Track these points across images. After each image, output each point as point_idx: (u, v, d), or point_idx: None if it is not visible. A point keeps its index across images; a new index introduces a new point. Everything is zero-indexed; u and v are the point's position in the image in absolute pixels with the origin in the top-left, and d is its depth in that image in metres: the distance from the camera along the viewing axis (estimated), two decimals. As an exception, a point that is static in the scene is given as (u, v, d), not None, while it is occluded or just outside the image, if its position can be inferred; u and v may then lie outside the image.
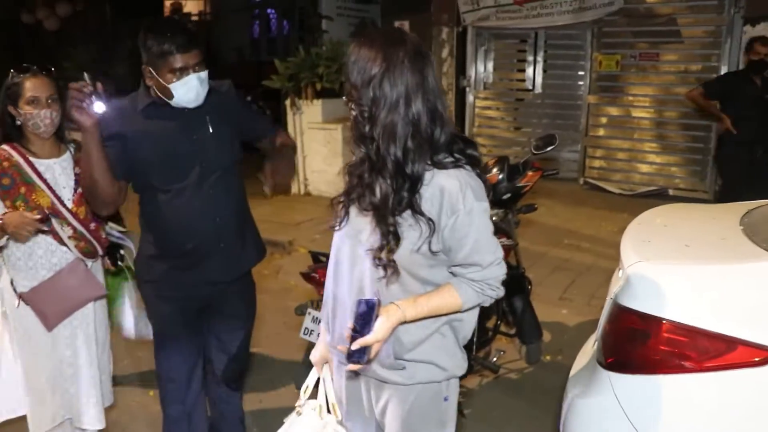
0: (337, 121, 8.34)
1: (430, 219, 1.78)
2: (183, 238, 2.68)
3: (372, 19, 10.63)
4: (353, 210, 1.92)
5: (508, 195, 3.86)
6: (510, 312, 4.08)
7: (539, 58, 9.16)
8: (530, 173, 3.89)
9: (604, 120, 8.79)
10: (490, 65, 9.63)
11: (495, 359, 3.86)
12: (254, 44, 14.87)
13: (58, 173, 2.87)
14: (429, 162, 1.79)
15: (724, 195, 6.01)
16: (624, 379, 2.15)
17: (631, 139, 8.59)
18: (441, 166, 1.79)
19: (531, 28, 8.91)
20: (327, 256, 3.34)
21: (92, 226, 2.93)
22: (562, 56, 9.02)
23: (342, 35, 9.98)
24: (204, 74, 2.57)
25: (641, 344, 2.10)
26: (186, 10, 14.49)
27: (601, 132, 8.84)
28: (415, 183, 1.77)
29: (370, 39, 1.79)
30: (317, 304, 3.29)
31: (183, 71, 2.51)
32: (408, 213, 1.78)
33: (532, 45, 9.18)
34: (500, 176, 3.87)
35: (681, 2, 7.96)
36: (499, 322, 3.93)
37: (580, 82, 8.86)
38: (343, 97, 1.86)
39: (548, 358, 4.33)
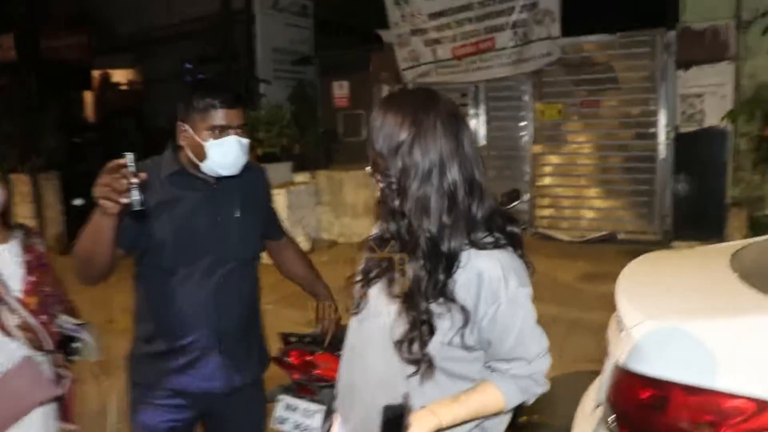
0: (281, 186, 8.13)
1: (464, 307, 1.56)
2: (179, 330, 2.33)
3: (310, 80, 10.56)
4: (374, 290, 1.71)
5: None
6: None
7: (481, 111, 9.17)
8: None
9: (549, 169, 8.82)
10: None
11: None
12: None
13: (4, 261, 2.56)
14: (466, 241, 1.58)
15: None
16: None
17: (578, 186, 8.63)
18: (479, 246, 1.59)
19: (471, 81, 8.95)
20: (298, 336, 3.10)
21: (43, 318, 2.59)
22: (505, 108, 9.05)
23: (280, 98, 9.86)
24: (245, 141, 2.30)
25: (660, 413, 1.92)
26: (114, 79, 14.17)
27: (548, 181, 8.85)
28: (451, 263, 1.57)
29: (398, 101, 1.64)
30: (291, 390, 3.02)
31: (224, 130, 2.23)
32: (440, 299, 1.58)
33: (474, 98, 9.21)
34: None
35: (616, 50, 8.12)
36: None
37: (524, 133, 8.89)
38: (367, 168, 1.69)
39: (524, 418, 4.12)
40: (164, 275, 2.31)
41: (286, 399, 3.01)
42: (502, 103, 9.05)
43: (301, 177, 9.38)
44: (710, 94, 7.25)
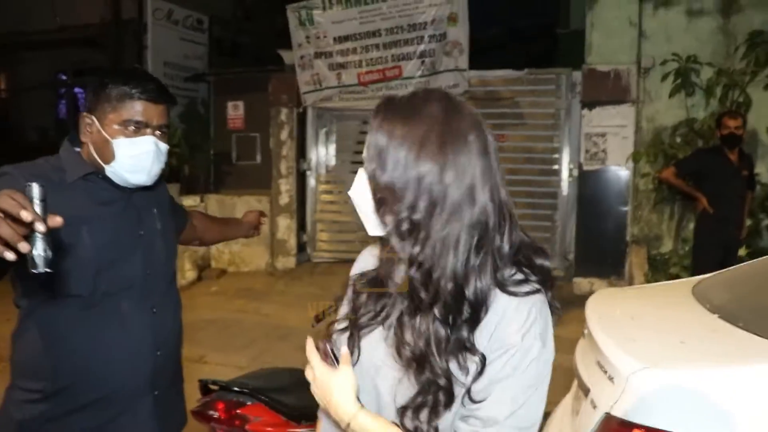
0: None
1: (483, 356, 1.20)
2: (102, 378, 1.83)
3: (203, 99, 10.03)
4: (368, 340, 1.34)
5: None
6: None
7: (384, 141, 8.96)
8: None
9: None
10: (332, 147, 9.30)
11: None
12: (60, 125, 13.61)
13: None
14: (492, 281, 1.22)
15: (697, 270, 5.39)
16: None
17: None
18: (507, 286, 1.24)
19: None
20: (219, 384, 2.68)
21: None
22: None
23: (170, 116, 9.26)
24: (164, 147, 1.87)
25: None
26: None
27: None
28: (478, 311, 1.21)
29: (409, 110, 1.22)
30: None
31: (140, 128, 1.81)
32: (461, 356, 1.21)
33: (376, 126, 8.98)
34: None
35: (522, 86, 8.17)
36: None
37: (427, 163, 8.72)
38: (364, 207, 1.28)
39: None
40: (80, 308, 1.84)
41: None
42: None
43: (190, 200, 8.83)
44: (612, 134, 7.39)
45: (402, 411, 1.24)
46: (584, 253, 7.53)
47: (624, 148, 7.32)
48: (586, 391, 2.18)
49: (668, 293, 2.81)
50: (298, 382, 2.78)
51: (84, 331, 1.84)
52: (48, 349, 1.85)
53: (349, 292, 1.39)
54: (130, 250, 1.91)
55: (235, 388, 2.58)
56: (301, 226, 9.12)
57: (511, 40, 11.44)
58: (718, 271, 3.01)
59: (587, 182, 7.52)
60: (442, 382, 1.20)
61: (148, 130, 1.84)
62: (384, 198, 1.22)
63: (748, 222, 6.56)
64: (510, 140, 8.28)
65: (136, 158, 1.83)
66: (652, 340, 2.17)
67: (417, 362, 1.22)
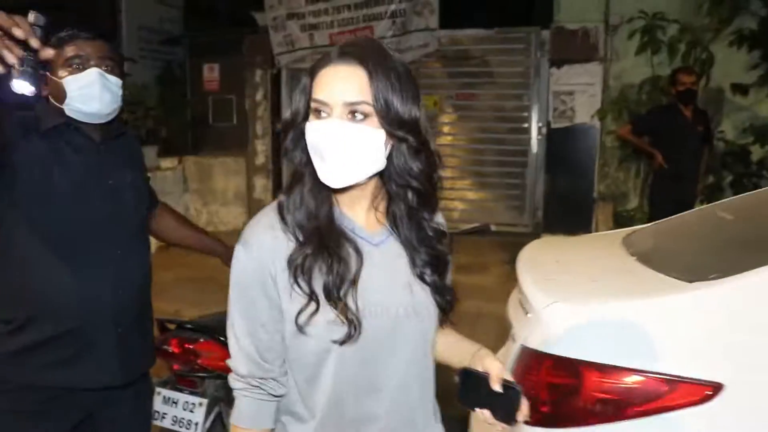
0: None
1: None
2: (67, 312, 1.97)
3: (179, 62, 10.05)
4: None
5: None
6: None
7: (357, 100, 9.05)
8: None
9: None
10: (307, 109, 9.36)
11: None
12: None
13: None
14: None
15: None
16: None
17: (452, 177, 8.69)
18: None
19: (349, 70, 8.79)
20: (177, 322, 2.84)
21: None
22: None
23: (147, 79, 9.33)
24: (114, 79, 2.02)
25: (572, 394, 1.86)
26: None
27: (423, 172, 8.85)
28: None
29: (390, 58, 1.35)
30: (170, 382, 2.74)
31: (83, 63, 1.97)
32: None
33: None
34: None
35: (491, 45, 8.25)
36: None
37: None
38: (377, 136, 1.33)
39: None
40: (45, 243, 1.98)
41: (164, 392, 2.75)
42: (296, 93, 8.88)
43: (167, 162, 8.94)
44: (580, 92, 7.50)
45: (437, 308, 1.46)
46: (553, 209, 7.70)
47: (591, 106, 7.43)
48: (510, 328, 2.34)
49: (600, 242, 2.95)
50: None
51: (48, 266, 1.98)
52: (12, 281, 2.01)
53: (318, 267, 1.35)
54: (98, 195, 2.05)
55: (189, 326, 2.74)
56: (278, 186, 9.24)
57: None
58: (651, 223, 3.15)
59: (556, 140, 7.65)
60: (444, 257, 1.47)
61: (92, 63, 1.99)
62: (392, 133, 1.32)
63: (710, 178, 6.71)
64: (480, 99, 8.40)
65: (85, 89, 1.98)
66: (568, 279, 2.31)
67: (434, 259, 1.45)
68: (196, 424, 2.61)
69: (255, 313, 1.37)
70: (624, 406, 1.80)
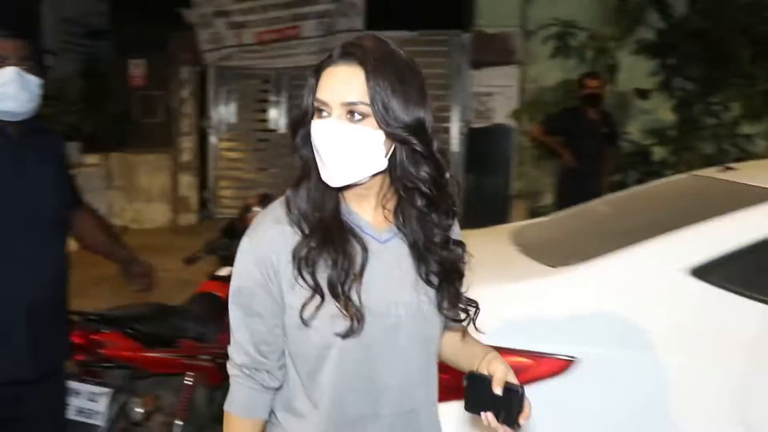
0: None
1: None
2: None
3: (104, 56, 9.94)
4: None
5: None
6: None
7: (282, 99, 9.16)
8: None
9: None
10: (233, 106, 9.43)
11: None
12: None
13: None
14: None
15: None
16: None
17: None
18: None
19: (274, 68, 8.91)
20: (81, 313, 2.89)
21: None
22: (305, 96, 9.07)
23: (70, 73, 9.21)
24: (32, 78, 2.09)
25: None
26: None
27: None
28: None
29: (394, 56, 1.39)
30: (73, 373, 2.82)
31: (1, 62, 2.03)
32: None
33: (276, 85, 9.16)
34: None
35: (415, 47, 8.44)
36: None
37: (324, 122, 8.97)
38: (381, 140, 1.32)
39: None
40: None
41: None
42: (304, 92, 9.04)
43: (91, 158, 8.86)
44: (498, 94, 7.81)
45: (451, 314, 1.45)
46: (471, 207, 7.92)
47: (509, 107, 7.75)
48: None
49: (492, 235, 3.16)
50: (154, 313, 3.05)
51: None
52: None
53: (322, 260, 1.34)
54: (13, 191, 2.10)
55: (93, 318, 2.82)
56: (203, 184, 9.27)
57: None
58: (542, 218, 3.37)
59: (475, 140, 7.94)
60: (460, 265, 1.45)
61: (10, 62, 2.04)
62: (392, 134, 1.30)
63: (617, 177, 7.07)
64: (404, 99, 8.61)
65: (1, 88, 2.04)
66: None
67: (446, 265, 1.43)
68: (100, 413, 2.69)
69: (253, 306, 1.37)
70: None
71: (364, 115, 1.28)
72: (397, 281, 1.39)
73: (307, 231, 1.33)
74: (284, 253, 1.33)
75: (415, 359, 1.43)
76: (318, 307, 1.31)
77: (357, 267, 1.33)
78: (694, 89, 7.13)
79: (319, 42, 8.35)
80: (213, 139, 9.39)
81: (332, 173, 1.30)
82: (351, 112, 1.29)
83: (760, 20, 6.78)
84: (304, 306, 1.32)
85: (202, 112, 9.19)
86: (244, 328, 1.39)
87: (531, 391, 1.95)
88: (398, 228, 1.41)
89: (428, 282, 1.41)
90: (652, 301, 2.07)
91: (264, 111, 9.33)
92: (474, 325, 1.49)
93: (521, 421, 1.35)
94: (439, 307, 1.43)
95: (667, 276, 2.06)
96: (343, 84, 1.30)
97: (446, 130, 8.39)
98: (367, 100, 1.28)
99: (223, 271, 3.44)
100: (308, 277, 1.31)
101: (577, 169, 6.16)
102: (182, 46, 8.98)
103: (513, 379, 1.37)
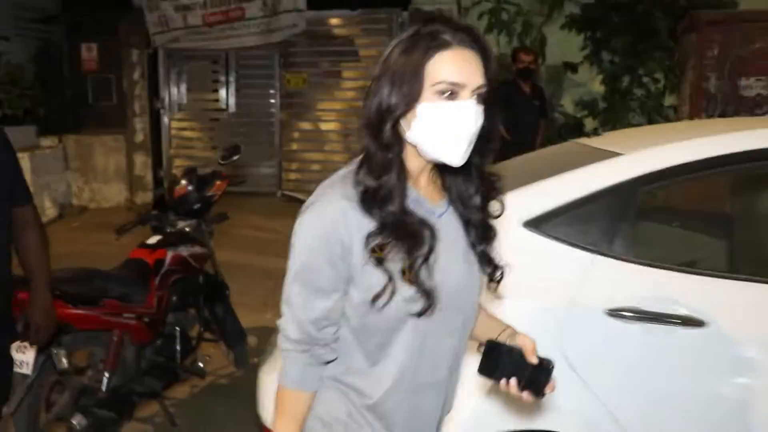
0: (24, 150, 7.81)
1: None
2: None
3: (57, 41, 10.08)
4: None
5: (199, 205, 3.98)
6: (212, 319, 4.18)
7: (231, 79, 9.43)
8: (218, 182, 4.07)
9: (296, 135, 9.35)
10: (184, 87, 9.69)
11: (201, 365, 3.93)
12: None
13: None
14: None
15: None
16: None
17: (322, 150, 9.22)
18: None
19: (221, 49, 9.17)
20: (15, 277, 3.15)
21: None
22: (254, 76, 9.41)
23: (23, 58, 9.34)
24: None
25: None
26: None
27: (295, 146, 9.37)
28: None
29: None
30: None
31: None
32: None
33: (224, 66, 9.41)
34: (189, 187, 3.99)
35: (356, 26, 8.77)
36: (202, 330, 4.01)
37: (272, 100, 9.33)
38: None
39: (256, 360, 4.48)
40: None
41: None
42: (251, 71, 9.41)
43: (47, 141, 9.04)
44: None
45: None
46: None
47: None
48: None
49: None
50: (79, 276, 3.34)
51: None
52: None
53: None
54: None
55: (21, 280, 3.06)
56: (157, 162, 9.52)
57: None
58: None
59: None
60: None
61: None
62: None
63: (548, 147, 7.42)
64: (346, 77, 8.95)
65: None
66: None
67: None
68: (27, 363, 2.95)
69: (317, 281, 1.36)
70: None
71: (481, 97, 1.33)
72: (455, 254, 1.44)
73: (378, 217, 1.33)
74: (355, 231, 1.33)
75: (466, 325, 1.50)
76: (392, 294, 1.33)
77: (426, 250, 1.35)
78: (620, 62, 7.50)
79: (263, 22, 8.61)
80: (165, 120, 9.65)
81: (459, 153, 1.33)
82: (479, 95, 1.33)
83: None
84: (378, 294, 1.33)
85: (154, 93, 9.41)
86: (306, 304, 1.37)
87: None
88: (449, 200, 1.47)
89: (474, 249, 1.47)
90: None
91: (214, 91, 9.60)
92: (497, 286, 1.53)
93: (547, 391, 1.43)
94: (483, 270, 1.49)
95: (505, 227, 2.38)
96: (472, 67, 1.31)
97: (388, 106, 8.70)
98: (484, 83, 1.33)
99: (152, 240, 3.74)
100: (383, 269, 1.33)
101: (512, 140, 6.44)
102: (131, 30, 9.18)
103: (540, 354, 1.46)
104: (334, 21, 8.89)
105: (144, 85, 9.30)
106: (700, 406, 2.23)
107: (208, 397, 4.07)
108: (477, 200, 1.46)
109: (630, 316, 2.19)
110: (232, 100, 9.41)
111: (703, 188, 2.86)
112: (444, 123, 1.30)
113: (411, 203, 1.37)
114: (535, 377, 1.42)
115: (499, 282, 1.51)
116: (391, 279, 1.32)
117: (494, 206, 1.48)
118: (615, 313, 2.19)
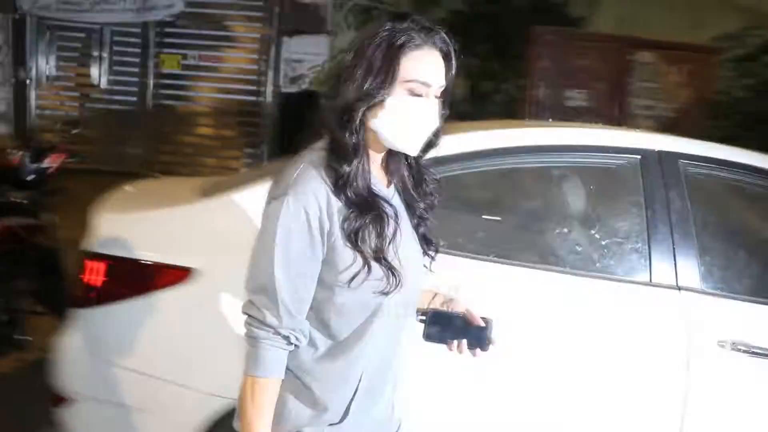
0: None
1: None
2: None
3: None
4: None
5: (33, 176, 4.00)
6: (44, 293, 4.18)
7: (105, 55, 9.20)
8: (54, 156, 4.10)
9: (169, 116, 9.22)
10: (54, 58, 9.36)
11: (29, 338, 3.94)
12: None
13: None
14: None
15: None
16: (89, 312, 2.51)
17: (197, 134, 9.18)
18: None
19: (95, 23, 8.94)
20: None
21: None
22: (128, 54, 9.18)
23: None
24: None
25: (101, 280, 2.48)
26: None
27: (168, 128, 9.24)
28: None
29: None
30: None
31: None
32: None
33: (98, 41, 9.19)
34: (25, 159, 4.00)
35: (234, 11, 8.79)
36: (30, 302, 4.02)
37: (146, 80, 9.14)
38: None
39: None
40: None
41: None
42: (126, 49, 9.17)
43: None
44: (309, 61, 8.31)
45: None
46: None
47: (318, 74, 8.28)
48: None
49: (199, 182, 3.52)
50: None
51: None
52: None
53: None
54: None
55: None
56: (21, 135, 9.18)
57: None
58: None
59: (287, 104, 8.43)
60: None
61: None
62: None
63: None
64: (223, 61, 8.96)
65: None
66: (136, 202, 2.93)
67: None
68: None
69: (298, 265, 1.40)
70: (132, 287, 2.45)
71: (439, 97, 1.46)
72: (407, 234, 1.53)
73: (350, 200, 1.41)
74: (335, 213, 1.40)
75: (416, 300, 1.62)
76: (368, 274, 1.41)
77: (394, 230, 1.45)
78: (481, 67, 7.87)
79: (136, 2, 8.51)
80: (32, 92, 9.30)
81: (415, 144, 1.47)
82: (439, 94, 1.46)
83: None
84: (355, 274, 1.41)
85: (20, 62, 9.07)
86: (288, 287, 1.40)
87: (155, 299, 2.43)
88: (394, 185, 1.57)
89: (416, 228, 1.58)
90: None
91: (86, 66, 9.32)
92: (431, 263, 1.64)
93: (494, 342, 1.61)
94: (424, 250, 1.60)
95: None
96: (437, 68, 1.44)
97: (261, 93, 8.83)
98: (444, 83, 1.46)
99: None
100: (359, 251, 1.40)
101: None
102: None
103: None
104: (212, 4, 8.84)
105: (8, 52, 8.95)
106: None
107: (34, 370, 4.04)
108: (415, 185, 1.58)
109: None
110: (104, 78, 9.20)
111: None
112: (409, 117, 1.42)
113: (379, 192, 1.48)
114: (477, 335, 1.60)
115: (433, 258, 1.62)
116: (366, 260, 1.40)
117: (428, 191, 1.60)
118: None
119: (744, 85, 7.78)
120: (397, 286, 1.43)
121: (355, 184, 1.40)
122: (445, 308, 1.66)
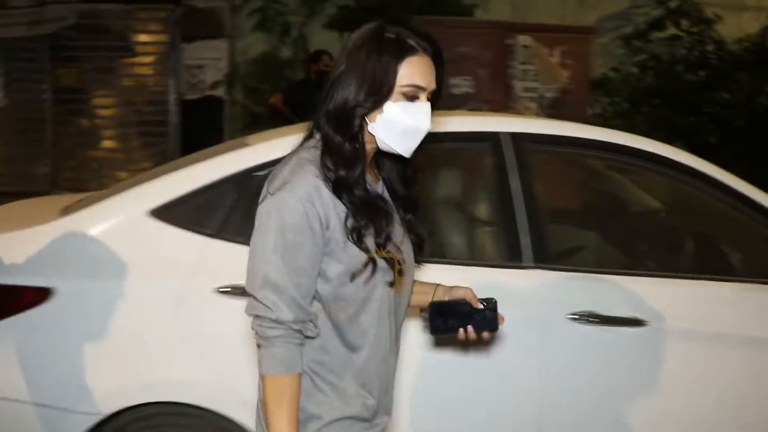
0: None
1: None
2: None
3: None
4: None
5: None
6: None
7: (0, 72, 8.94)
8: None
9: (71, 131, 9.00)
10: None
11: None
12: None
13: None
14: None
15: None
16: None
17: (100, 148, 9.00)
18: None
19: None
20: None
21: None
22: (22, 69, 8.93)
23: None
24: None
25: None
26: None
27: (70, 143, 9.03)
28: None
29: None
30: None
31: None
32: None
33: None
34: None
35: (130, 20, 8.65)
36: None
37: (44, 96, 8.89)
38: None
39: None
40: None
41: None
42: (19, 64, 8.91)
43: None
44: (209, 66, 8.24)
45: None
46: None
47: (219, 79, 8.24)
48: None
49: (55, 201, 3.52)
50: None
51: None
52: None
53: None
54: None
55: None
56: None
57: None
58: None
59: (189, 111, 8.34)
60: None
61: None
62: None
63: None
64: (122, 71, 8.81)
65: None
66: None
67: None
68: None
69: (300, 259, 1.41)
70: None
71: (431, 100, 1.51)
72: (399, 227, 1.57)
73: (348, 201, 1.44)
74: (330, 208, 1.43)
75: (410, 290, 1.65)
76: (372, 271, 1.45)
77: (388, 226, 1.50)
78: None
79: (29, 13, 8.31)
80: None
81: (413, 147, 1.51)
82: (431, 98, 1.50)
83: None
84: (360, 270, 1.45)
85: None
86: (293, 282, 1.41)
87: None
88: (383, 181, 1.61)
89: (405, 222, 1.61)
90: (120, 238, 2.55)
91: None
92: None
93: (500, 323, 1.64)
94: (413, 241, 1.63)
95: (132, 217, 2.58)
96: (430, 73, 1.49)
97: (163, 102, 8.70)
98: (435, 88, 1.51)
99: None
100: (362, 249, 1.44)
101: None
102: None
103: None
104: (108, 14, 8.66)
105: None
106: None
107: None
108: (400, 179, 1.61)
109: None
110: (0, 95, 8.93)
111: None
112: (406, 121, 1.46)
113: (372, 189, 1.52)
114: (484, 317, 1.62)
115: (421, 250, 1.66)
116: (371, 256, 1.44)
117: (414, 187, 1.63)
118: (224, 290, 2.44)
119: (635, 62, 8.08)
120: (401, 275, 1.51)
121: (354, 187, 1.45)
122: (446, 298, 1.69)
